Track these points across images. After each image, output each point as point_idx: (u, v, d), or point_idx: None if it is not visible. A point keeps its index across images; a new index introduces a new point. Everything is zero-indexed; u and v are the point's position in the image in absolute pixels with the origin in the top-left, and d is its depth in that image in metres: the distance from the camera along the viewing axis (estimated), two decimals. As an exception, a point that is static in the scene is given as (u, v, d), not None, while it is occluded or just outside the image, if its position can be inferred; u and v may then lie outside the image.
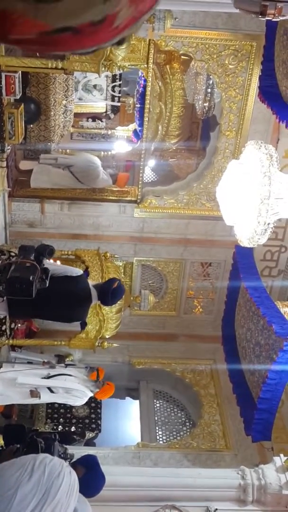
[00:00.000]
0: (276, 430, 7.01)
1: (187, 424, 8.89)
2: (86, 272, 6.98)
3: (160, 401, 9.25)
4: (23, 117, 7.34)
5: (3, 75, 6.69)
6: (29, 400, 7.12)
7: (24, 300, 3.82)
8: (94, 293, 4.85)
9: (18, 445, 4.02)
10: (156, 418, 8.92)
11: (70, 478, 2.84)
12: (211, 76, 8.13)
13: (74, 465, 3.57)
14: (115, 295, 5.09)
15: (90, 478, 3.02)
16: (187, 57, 8.07)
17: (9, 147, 7.62)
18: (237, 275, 8.18)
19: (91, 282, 5.12)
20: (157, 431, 8.71)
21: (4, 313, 4.65)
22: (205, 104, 8.90)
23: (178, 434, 8.67)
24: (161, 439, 8.58)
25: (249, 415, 7.32)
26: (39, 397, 6.84)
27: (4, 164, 7.53)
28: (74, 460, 3.69)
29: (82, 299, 4.81)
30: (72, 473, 2.89)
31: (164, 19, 6.21)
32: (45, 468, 2.78)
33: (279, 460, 6.12)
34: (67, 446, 4.46)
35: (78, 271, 4.85)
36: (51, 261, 4.63)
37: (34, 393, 6.82)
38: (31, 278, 3.74)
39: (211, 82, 8.58)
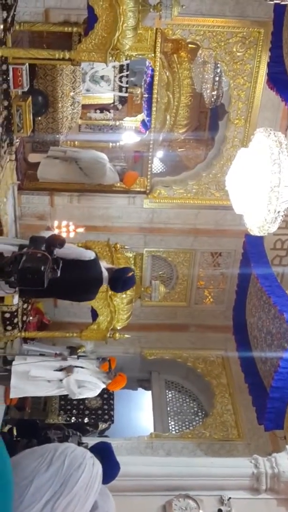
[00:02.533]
0: (289, 418, 6.99)
1: (199, 414, 8.90)
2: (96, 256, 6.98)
3: (172, 391, 9.26)
4: (31, 110, 7.30)
5: (10, 67, 6.66)
6: (42, 393, 7.16)
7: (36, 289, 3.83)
8: (105, 276, 4.86)
9: (31, 439, 4.07)
10: (168, 409, 8.95)
11: (92, 470, 2.77)
12: (218, 64, 8.08)
13: None
14: (126, 284, 5.10)
15: (105, 466, 3.00)
16: (194, 46, 8.00)
17: (17, 140, 7.60)
18: (247, 264, 8.16)
19: (105, 264, 5.10)
20: (169, 421, 8.73)
21: (16, 293, 4.67)
22: (213, 93, 8.84)
23: (190, 424, 8.68)
24: (173, 429, 8.61)
25: (261, 404, 7.31)
26: (72, 372, 6.86)
27: (13, 157, 7.51)
28: (88, 448, 3.70)
29: (93, 282, 4.83)
30: (95, 465, 2.82)
31: (171, 7, 6.14)
32: (65, 459, 2.71)
33: (292, 448, 6.13)
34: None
35: (90, 254, 4.83)
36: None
37: (68, 369, 6.87)
38: (42, 268, 3.75)
39: (219, 70, 8.52)
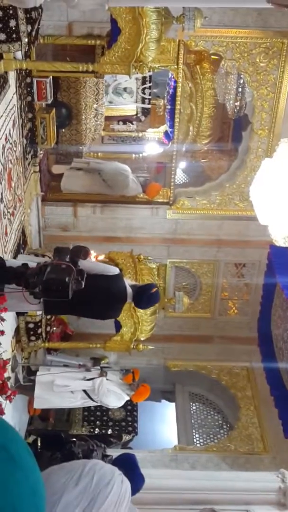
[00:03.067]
0: (315, 432, 6.88)
1: (224, 427, 8.81)
2: (120, 272, 6.98)
3: (197, 403, 9.18)
4: (54, 122, 7.39)
5: (34, 80, 6.76)
6: (66, 404, 7.16)
7: (60, 301, 3.82)
8: (130, 292, 4.83)
9: (55, 452, 4.05)
10: (192, 421, 8.87)
11: (121, 488, 2.73)
12: (242, 75, 8.06)
13: (112, 465, 3.54)
14: (150, 300, 5.03)
15: (129, 478, 2.95)
16: (217, 57, 8.00)
17: (41, 152, 7.69)
18: (272, 275, 8.08)
19: (129, 281, 5.09)
20: (194, 434, 8.65)
21: (40, 310, 4.66)
22: (236, 104, 8.81)
23: (215, 437, 8.59)
24: (198, 442, 8.52)
25: (287, 417, 7.21)
26: (106, 375, 6.87)
27: (37, 168, 7.60)
28: (112, 460, 3.67)
29: (117, 297, 4.79)
30: (124, 482, 2.78)
31: (194, 19, 6.17)
32: (94, 475, 2.68)
33: None
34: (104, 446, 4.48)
35: (115, 269, 4.83)
36: (92, 258, 4.63)
37: (102, 372, 6.90)
38: (67, 280, 3.74)
39: (242, 81, 8.49)
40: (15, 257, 6.50)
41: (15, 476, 1.28)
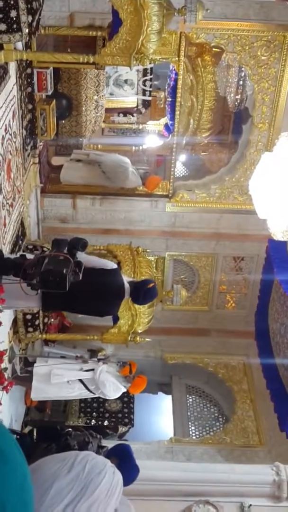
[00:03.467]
0: (311, 426, 6.91)
1: (220, 419, 8.85)
2: (118, 267, 6.98)
3: (193, 396, 9.22)
4: (55, 113, 7.37)
5: (35, 71, 6.73)
6: (63, 394, 7.18)
7: (58, 293, 3.83)
8: (127, 288, 4.83)
9: (50, 444, 4.07)
10: (188, 413, 8.90)
11: (113, 478, 2.76)
12: (243, 68, 8.04)
13: (107, 456, 3.57)
14: (147, 296, 5.03)
15: (124, 468, 2.98)
16: (218, 49, 7.97)
17: (41, 143, 7.67)
18: (270, 269, 8.09)
19: (126, 277, 5.09)
20: (190, 426, 8.69)
21: (37, 307, 4.66)
22: (237, 97, 8.80)
23: (211, 430, 8.63)
24: (194, 434, 8.56)
25: (283, 411, 7.25)
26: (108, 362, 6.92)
27: (37, 160, 7.58)
28: (107, 450, 3.69)
29: (115, 293, 4.79)
30: (116, 474, 2.81)
31: (196, 11, 6.13)
32: (86, 464, 2.71)
33: (314, 456, 6.05)
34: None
35: (112, 264, 4.84)
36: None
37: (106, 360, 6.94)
38: (64, 271, 3.74)
39: (243, 74, 8.47)
40: (13, 248, 6.50)
41: (3, 470, 1.30)
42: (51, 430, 4.51)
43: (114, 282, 4.76)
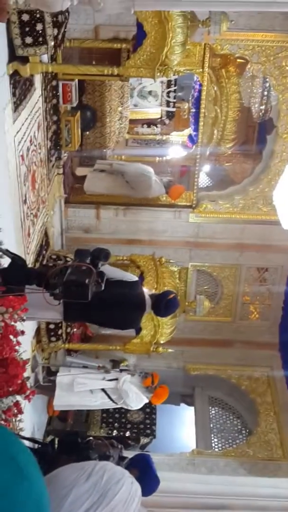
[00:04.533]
0: None
1: (243, 432, 8.75)
2: (141, 277, 6.99)
3: (216, 408, 9.15)
4: (79, 125, 7.45)
5: (60, 83, 6.82)
6: (86, 403, 7.20)
7: (79, 303, 3.85)
8: (148, 301, 4.83)
9: (72, 456, 4.08)
10: (211, 425, 8.83)
11: (131, 488, 2.76)
12: (267, 79, 8.02)
13: (128, 466, 3.55)
14: (168, 307, 4.99)
15: (143, 479, 2.97)
16: (243, 60, 7.98)
17: (65, 154, 7.75)
18: (294, 280, 8.02)
19: (147, 291, 5.09)
20: (212, 438, 8.62)
21: (60, 318, 4.69)
22: (261, 107, 8.78)
23: (234, 442, 8.55)
24: (216, 446, 8.48)
25: (307, 425, 7.14)
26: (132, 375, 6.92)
27: (61, 171, 7.66)
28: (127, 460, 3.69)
29: (135, 305, 4.78)
30: (134, 484, 2.81)
31: (220, 23, 6.16)
32: (104, 474, 2.72)
33: None
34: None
35: (132, 277, 4.84)
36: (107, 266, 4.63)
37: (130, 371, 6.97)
38: (86, 281, 3.76)
39: (267, 84, 8.46)
40: (37, 258, 6.56)
41: (21, 487, 1.32)
42: (72, 442, 4.51)
43: (135, 294, 4.75)
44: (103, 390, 7.10)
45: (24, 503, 1.31)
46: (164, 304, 4.86)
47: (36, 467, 1.43)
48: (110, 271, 4.54)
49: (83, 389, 7.02)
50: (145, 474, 3.35)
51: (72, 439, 4.74)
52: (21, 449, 1.41)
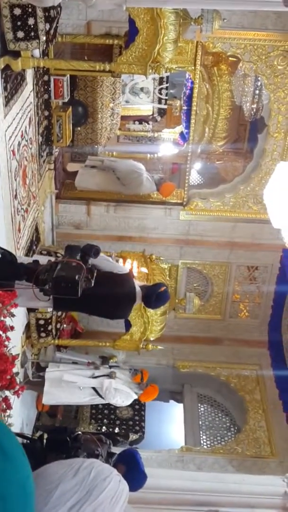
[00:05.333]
0: None
1: (232, 429, 8.78)
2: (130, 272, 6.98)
3: (205, 405, 9.17)
4: (71, 120, 7.42)
5: (51, 78, 6.79)
6: (75, 400, 7.20)
7: (69, 298, 3.84)
8: (139, 293, 4.83)
9: (60, 455, 4.08)
10: (200, 422, 8.86)
11: (118, 486, 2.77)
12: (259, 78, 8.04)
13: (116, 461, 3.56)
14: (159, 300, 5.01)
15: (131, 474, 2.98)
16: (235, 59, 8.00)
17: (57, 150, 7.72)
18: (284, 279, 8.06)
19: (138, 282, 5.09)
20: (201, 435, 8.64)
21: (50, 306, 4.69)
22: (253, 106, 8.79)
23: (222, 439, 8.58)
24: (205, 443, 8.51)
25: (295, 422, 7.18)
26: (115, 377, 6.91)
27: (52, 166, 7.64)
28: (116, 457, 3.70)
29: (126, 296, 4.79)
30: (121, 483, 2.82)
31: (212, 21, 6.16)
32: (92, 470, 2.73)
33: None
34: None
35: (124, 268, 4.84)
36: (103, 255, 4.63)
37: (112, 373, 6.93)
38: (76, 278, 3.76)
39: (259, 83, 8.47)
40: (27, 254, 6.54)
41: (5, 468, 1.34)
42: (60, 438, 4.50)
43: (126, 287, 4.76)
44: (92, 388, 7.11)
45: (9, 483, 1.32)
46: (156, 297, 4.88)
47: (23, 455, 1.44)
48: (101, 262, 4.53)
49: (71, 385, 7.01)
50: (132, 469, 3.36)
51: (60, 435, 4.72)
52: (7, 434, 1.42)
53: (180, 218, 8.70)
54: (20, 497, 1.37)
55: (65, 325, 7.95)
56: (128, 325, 7.11)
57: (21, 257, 4.99)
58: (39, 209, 7.10)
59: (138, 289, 4.82)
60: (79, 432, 4.71)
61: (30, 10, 5.03)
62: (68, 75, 6.92)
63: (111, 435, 8.02)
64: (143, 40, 5.89)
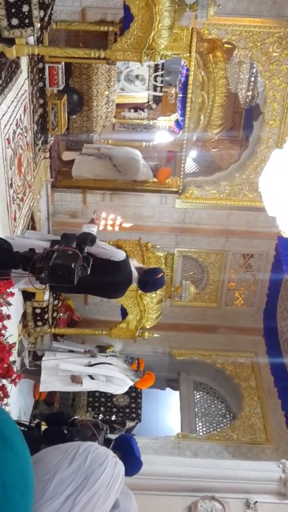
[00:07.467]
0: None
1: (227, 416, 8.85)
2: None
3: (200, 392, 9.23)
4: (66, 108, 7.38)
5: (46, 66, 6.75)
6: (71, 387, 7.22)
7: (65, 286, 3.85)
8: (135, 275, 4.86)
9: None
10: (196, 410, 8.92)
11: (114, 470, 2.79)
12: (254, 65, 8.01)
13: (112, 448, 3.58)
14: (155, 285, 5.09)
15: (126, 461, 3.00)
16: (230, 46, 7.95)
17: (52, 138, 7.69)
18: (279, 267, 8.08)
19: (135, 263, 5.09)
20: (197, 422, 8.71)
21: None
22: (248, 93, 8.77)
23: (218, 426, 8.64)
24: (201, 430, 8.57)
25: (290, 408, 7.23)
26: (81, 383, 6.93)
27: (47, 155, 7.61)
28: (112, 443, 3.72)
29: (122, 282, 4.85)
30: (117, 465, 2.84)
31: (207, 7, 6.11)
32: (88, 456, 2.74)
33: None
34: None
35: (121, 255, 4.83)
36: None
37: (76, 378, 6.91)
38: (73, 266, 3.76)
39: (254, 70, 8.45)
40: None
41: (5, 454, 1.35)
42: (58, 431, 4.55)
43: (122, 275, 4.79)
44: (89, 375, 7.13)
45: (10, 470, 1.34)
46: (152, 283, 4.93)
47: (22, 440, 1.45)
48: (98, 249, 4.54)
49: (67, 373, 7.03)
50: (127, 455, 3.38)
51: (58, 425, 4.76)
52: (6, 421, 1.43)
53: (175, 206, 8.70)
54: (20, 483, 1.38)
55: (61, 314, 7.96)
56: (124, 313, 7.12)
57: (17, 239, 4.97)
58: (34, 197, 7.08)
59: (134, 272, 4.84)
60: (76, 417, 4.74)
61: (24, -4, 4.98)
62: (63, 63, 6.87)
63: (108, 423, 8.07)
64: (138, 26, 5.83)
